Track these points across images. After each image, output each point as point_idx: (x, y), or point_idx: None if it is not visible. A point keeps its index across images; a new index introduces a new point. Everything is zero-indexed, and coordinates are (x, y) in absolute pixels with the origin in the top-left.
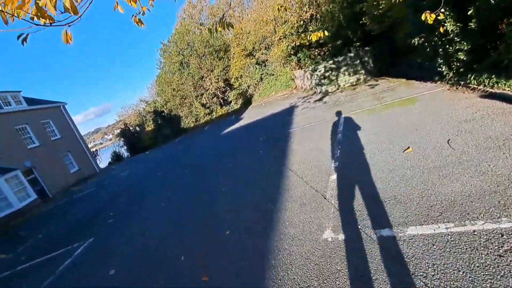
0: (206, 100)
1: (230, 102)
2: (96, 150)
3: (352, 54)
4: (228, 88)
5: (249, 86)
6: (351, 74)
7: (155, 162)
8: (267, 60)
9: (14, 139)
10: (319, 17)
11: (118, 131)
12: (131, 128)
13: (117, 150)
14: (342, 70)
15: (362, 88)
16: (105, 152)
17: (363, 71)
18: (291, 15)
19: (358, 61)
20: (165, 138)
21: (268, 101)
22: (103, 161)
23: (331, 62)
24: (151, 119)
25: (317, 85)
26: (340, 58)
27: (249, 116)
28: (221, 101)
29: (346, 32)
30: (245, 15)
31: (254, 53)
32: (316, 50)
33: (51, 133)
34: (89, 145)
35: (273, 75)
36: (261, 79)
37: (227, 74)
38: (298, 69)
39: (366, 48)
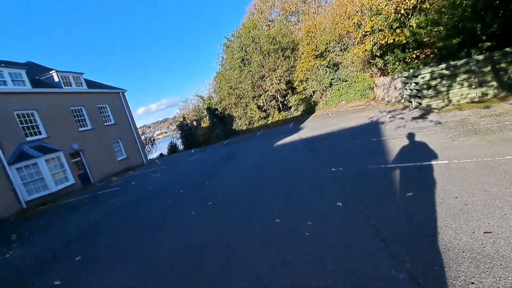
0: (263, 102)
1: (290, 107)
2: (154, 139)
3: (481, 57)
4: (289, 92)
5: (315, 91)
6: (474, 86)
7: (185, 171)
8: (340, 63)
9: (67, 120)
10: (427, 7)
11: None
12: (188, 123)
13: (173, 142)
14: (458, 79)
15: (505, 109)
16: (164, 142)
17: (494, 83)
18: (387, 2)
19: (490, 67)
20: (216, 138)
21: (337, 111)
22: (159, 150)
23: (442, 66)
24: (207, 116)
25: (412, 97)
26: (459, 63)
27: (312, 128)
28: (280, 105)
29: (473, 24)
30: (322, 10)
31: (326, 54)
32: (415, 52)
33: (105, 118)
34: (156, 133)
35: (346, 81)
36: (331, 84)
37: (290, 75)
38: (381, 75)
39: (507, 49)
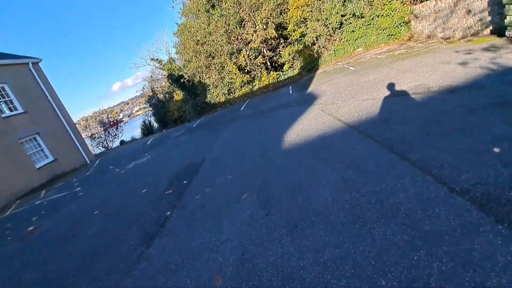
0: (245, 60)
1: (283, 65)
2: (117, 122)
3: None
4: (281, 42)
5: (318, 37)
6: None
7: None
8: None
9: None
10: None
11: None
12: (159, 97)
13: (147, 121)
14: None
15: None
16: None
17: None
18: None
19: None
20: (188, 115)
21: (359, 63)
22: (127, 134)
23: None
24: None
25: None
26: None
27: (337, 93)
28: (268, 63)
29: None
30: None
31: None
32: None
33: (4, 105)
34: (135, 109)
35: (363, 17)
36: (341, 25)
37: (281, 16)
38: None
39: None
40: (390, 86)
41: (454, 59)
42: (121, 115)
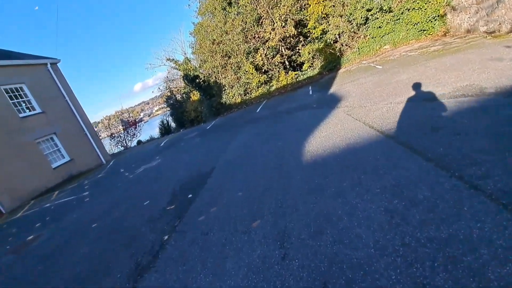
0: (262, 60)
1: (302, 64)
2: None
3: None
4: (301, 40)
5: (340, 34)
6: None
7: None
8: None
9: None
10: None
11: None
12: (177, 97)
13: (165, 120)
14: None
15: None
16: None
17: None
18: None
19: None
20: (204, 115)
21: (387, 61)
22: (147, 133)
23: None
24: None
25: None
26: None
27: (364, 95)
28: (287, 62)
29: None
30: None
31: None
32: None
33: (21, 105)
34: (155, 109)
35: (392, 11)
36: (366, 20)
37: (301, 12)
38: None
39: None
40: (429, 87)
41: (507, 55)
42: (141, 114)
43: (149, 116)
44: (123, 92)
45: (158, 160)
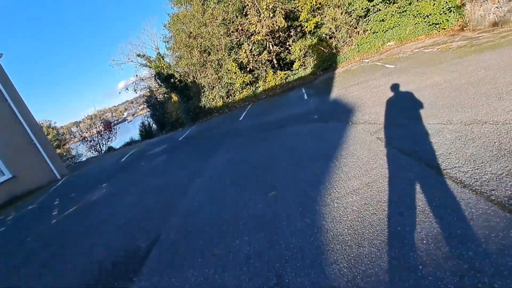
0: (246, 57)
1: (292, 62)
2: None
3: None
4: (291, 34)
5: (337, 28)
6: None
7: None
8: None
9: None
10: None
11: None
12: (158, 97)
13: (146, 122)
14: None
15: None
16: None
17: None
18: None
19: None
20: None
21: (397, 59)
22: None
23: None
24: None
25: None
26: None
27: (382, 104)
28: (275, 60)
29: None
30: None
31: None
32: None
33: None
34: (139, 108)
35: (396, 2)
36: (367, 13)
37: (292, 2)
38: None
39: None
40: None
41: None
42: (125, 113)
43: (133, 115)
44: (109, 90)
45: (100, 191)
